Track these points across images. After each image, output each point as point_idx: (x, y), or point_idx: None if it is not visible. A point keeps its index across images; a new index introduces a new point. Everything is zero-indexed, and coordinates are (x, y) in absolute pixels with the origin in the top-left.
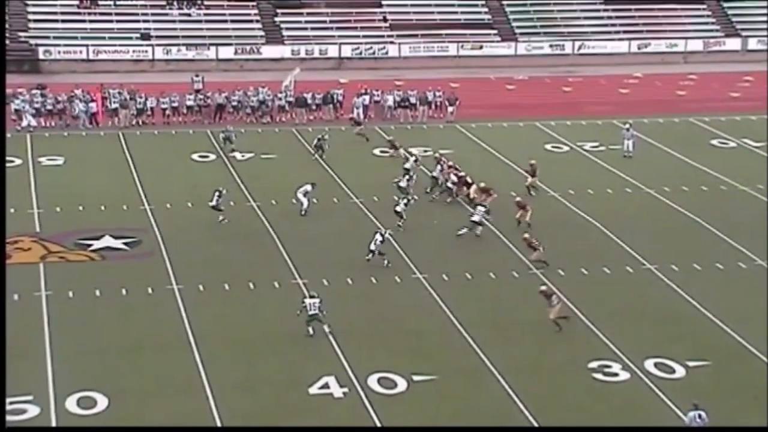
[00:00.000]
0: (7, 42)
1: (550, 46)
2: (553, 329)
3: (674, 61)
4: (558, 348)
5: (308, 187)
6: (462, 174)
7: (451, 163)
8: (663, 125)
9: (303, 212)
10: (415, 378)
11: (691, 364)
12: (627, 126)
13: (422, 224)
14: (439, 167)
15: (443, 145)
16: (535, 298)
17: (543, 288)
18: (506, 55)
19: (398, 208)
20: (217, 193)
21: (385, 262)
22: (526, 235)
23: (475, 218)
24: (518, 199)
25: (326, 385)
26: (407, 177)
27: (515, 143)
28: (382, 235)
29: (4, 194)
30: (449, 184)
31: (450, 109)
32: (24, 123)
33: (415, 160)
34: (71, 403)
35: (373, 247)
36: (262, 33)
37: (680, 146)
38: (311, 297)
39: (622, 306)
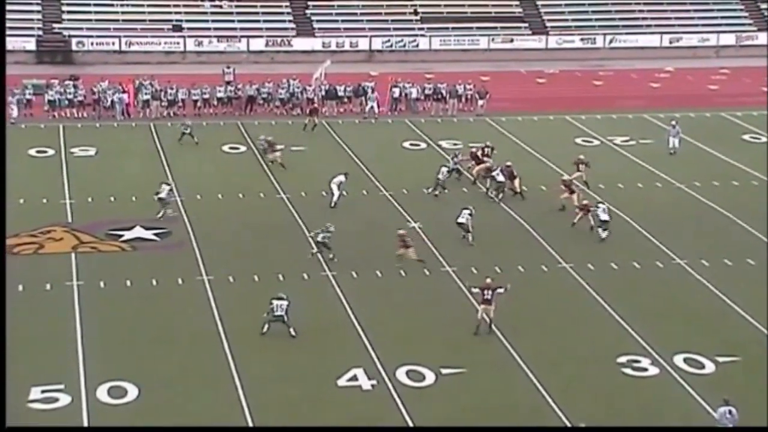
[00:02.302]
0: (41, 33)
1: (581, 39)
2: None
3: (706, 56)
4: (587, 342)
5: (341, 178)
6: (508, 164)
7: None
8: (694, 120)
9: (333, 204)
10: (444, 371)
11: (721, 359)
12: (674, 122)
13: (452, 217)
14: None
15: (473, 138)
16: (564, 291)
17: (475, 290)
18: (537, 48)
19: (461, 220)
20: (168, 187)
21: (330, 256)
22: (402, 232)
23: (604, 217)
24: (585, 202)
25: (355, 378)
26: (447, 170)
27: (545, 137)
28: (328, 231)
29: (5, 193)
30: (499, 179)
31: (480, 102)
32: (14, 114)
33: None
34: (102, 393)
35: (320, 238)
36: (293, 25)
37: (712, 141)
38: (279, 299)
39: (652, 301)
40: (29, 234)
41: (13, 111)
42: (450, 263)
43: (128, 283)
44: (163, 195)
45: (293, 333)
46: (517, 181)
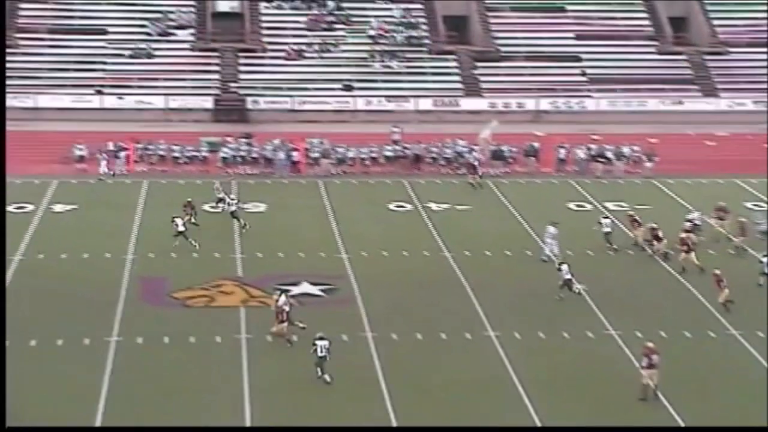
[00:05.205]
0: (219, 92)
1: (754, 102)
2: None
3: None
4: (756, 413)
5: (552, 230)
6: (655, 226)
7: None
8: None
9: (546, 257)
10: None
11: None
12: None
13: (618, 280)
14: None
15: (640, 201)
16: (732, 359)
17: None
18: (707, 111)
19: (568, 276)
20: (180, 221)
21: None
22: (280, 304)
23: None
24: (717, 272)
25: None
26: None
27: (714, 200)
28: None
29: (4, 198)
30: (643, 239)
31: (648, 164)
32: (100, 171)
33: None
34: None
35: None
36: (461, 86)
37: None
38: (321, 339)
39: None
40: (201, 287)
41: (101, 166)
42: (614, 326)
43: (294, 338)
44: (181, 228)
45: (328, 379)
46: (663, 243)
